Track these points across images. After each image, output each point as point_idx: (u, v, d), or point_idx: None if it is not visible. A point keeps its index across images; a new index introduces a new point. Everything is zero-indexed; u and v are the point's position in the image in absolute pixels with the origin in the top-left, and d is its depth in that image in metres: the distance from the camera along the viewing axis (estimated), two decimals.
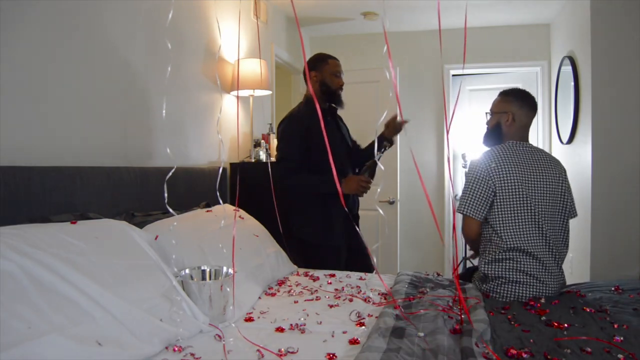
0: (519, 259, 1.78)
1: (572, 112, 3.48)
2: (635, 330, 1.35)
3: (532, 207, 1.82)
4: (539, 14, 4.01)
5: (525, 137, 1.97)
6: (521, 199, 1.83)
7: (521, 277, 1.77)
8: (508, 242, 1.80)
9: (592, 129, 3.15)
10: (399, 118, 2.40)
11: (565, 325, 1.40)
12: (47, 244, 1.18)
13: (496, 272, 1.80)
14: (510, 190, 1.83)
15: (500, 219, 1.84)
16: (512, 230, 1.81)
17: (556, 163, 1.94)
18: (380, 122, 1.63)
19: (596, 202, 3.15)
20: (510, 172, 1.84)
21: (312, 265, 2.29)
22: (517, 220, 1.81)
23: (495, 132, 1.98)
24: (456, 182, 4.72)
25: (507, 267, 1.79)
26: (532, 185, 1.84)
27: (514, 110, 1.92)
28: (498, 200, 1.85)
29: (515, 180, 1.83)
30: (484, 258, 1.87)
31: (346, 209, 2.03)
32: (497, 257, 1.81)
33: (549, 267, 1.77)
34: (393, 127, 2.44)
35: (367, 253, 2.49)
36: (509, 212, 1.83)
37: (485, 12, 3.95)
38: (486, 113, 2.04)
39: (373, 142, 2.51)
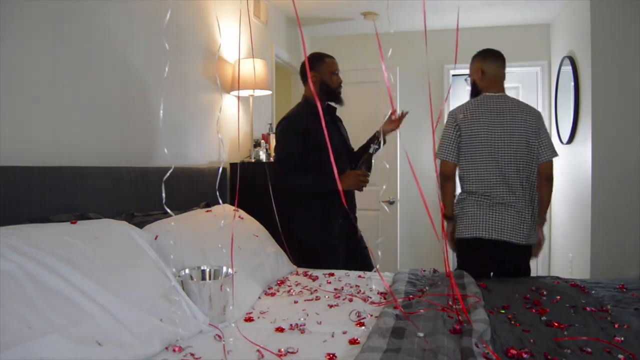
0: (479, 200, 2.12)
1: (572, 112, 3.48)
2: (636, 331, 1.35)
3: (494, 153, 2.09)
4: (539, 14, 4.01)
5: (500, 87, 2.23)
6: (484, 144, 2.11)
7: (480, 213, 2.10)
8: (470, 186, 2.13)
9: (592, 129, 3.15)
10: (398, 113, 2.43)
11: (566, 325, 1.40)
12: (47, 244, 1.18)
13: (459, 210, 2.17)
14: (473, 136, 2.12)
15: (466, 164, 2.16)
16: (474, 175, 2.13)
17: (527, 109, 2.15)
18: (382, 122, 1.69)
19: (596, 202, 3.15)
20: (476, 119, 2.13)
21: (311, 265, 2.29)
22: (478, 165, 2.12)
23: (474, 90, 2.31)
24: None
25: (469, 204, 2.14)
26: (497, 132, 2.10)
27: (481, 65, 2.27)
28: (463, 145, 2.16)
29: (479, 127, 2.12)
30: (455, 202, 2.22)
31: (346, 207, 2.02)
32: (461, 197, 2.18)
33: (508, 211, 2.07)
34: (391, 123, 2.44)
35: (366, 253, 2.49)
36: (472, 157, 2.12)
37: (485, 12, 3.95)
38: (465, 79, 2.42)
39: (364, 144, 2.50)
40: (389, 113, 2.49)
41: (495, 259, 2.16)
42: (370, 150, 2.27)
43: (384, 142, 2.34)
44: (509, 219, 2.08)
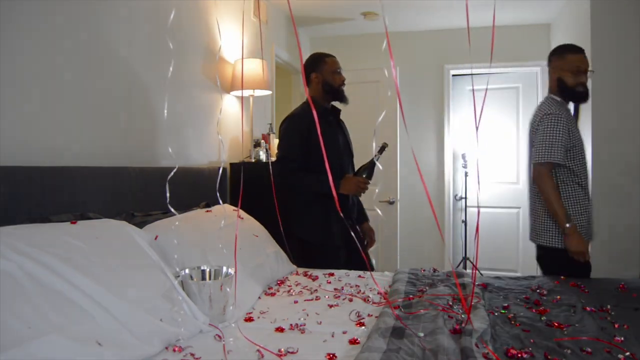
0: None
1: (572, 112, 3.47)
2: (636, 331, 1.35)
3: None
4: (539, 14, 4.01)
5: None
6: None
7: None
8: None
9: (592, 129, 3.15)
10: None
11: (566, 325, 1.40)
12: (47, 244, 1.18)
13: None
14: None
15: None
16: None
17: (539, 110, 2.19)
18: (379, 122, 1.67)
19: (596, 202, 3.14)
20: None
21: (311, 264, 2.29)
22: None
23: None
24: (456, 182, 4.71)
25: None
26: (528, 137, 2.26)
27: None
28: None
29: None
30: None
31: (340, 211, 2.01)
32: None
33: (530, 212, 2.26)
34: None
35: (367, 253, 2.49)
36: None
37: (485, 12, 3.94)
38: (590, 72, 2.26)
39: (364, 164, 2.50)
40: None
41: (539, 260, 2.30)
42: (375, 159, 2.27)
43: (382, 151, 2.32)
44: (531, 220, 2.27)
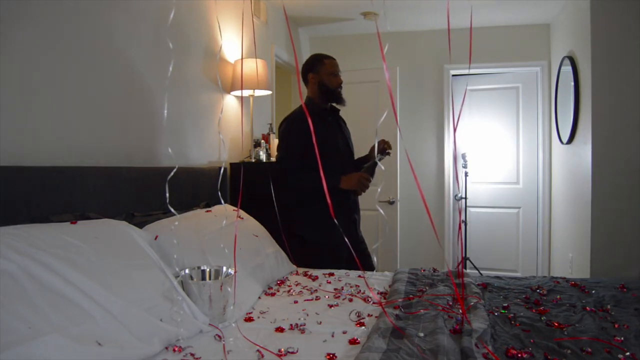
0: None
1: (572, 112, 3.48)
2: (636, 331, 1.35)
3: None
4: (539, 14, 4.01)
5: None
6: None
7: None
8: None
9: (592, 129, 3.15)
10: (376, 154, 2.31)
11: (566, 325, 1.40)
12: (47, 244, 1.18)
13: None
14: None
15: None
16: None
17: None
18: (380, 123, 1.67)
19: (596, 202, 3.15)
20: None
21: (312, 263, 2.29)
22: None
23: None
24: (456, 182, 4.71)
25: None
26: None
27: None
28: None
29: None
30: None
31: (332, 212, 2.00)
32: None
33: None
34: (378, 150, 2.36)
35: (367, 253, 2.49)
36: None
37: (485, 12, 3.95)
38: None
39: (365, 156, 2.51)
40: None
41: None
42: (377, 159, 2.27)
43: (384, 154, 2.32)
44: None
